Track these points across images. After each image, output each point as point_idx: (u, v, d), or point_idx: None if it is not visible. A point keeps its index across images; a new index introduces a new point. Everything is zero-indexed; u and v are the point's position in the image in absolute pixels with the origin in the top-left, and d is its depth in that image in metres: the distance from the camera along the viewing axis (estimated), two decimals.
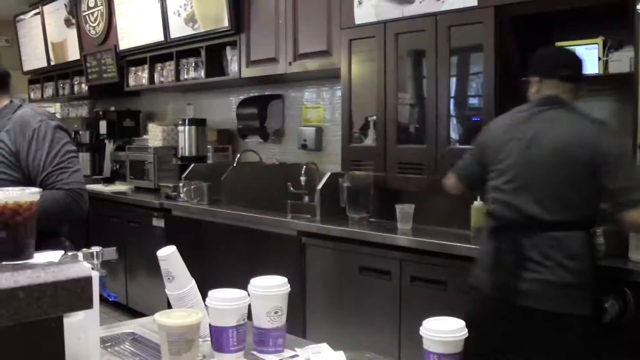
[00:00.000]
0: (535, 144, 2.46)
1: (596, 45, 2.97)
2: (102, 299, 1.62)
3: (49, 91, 7.78)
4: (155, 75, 5.91)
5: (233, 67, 5.00)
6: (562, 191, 2.40)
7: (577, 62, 2.63)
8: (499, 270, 2.48)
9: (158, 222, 5.08)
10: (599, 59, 2.97)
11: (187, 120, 5.51)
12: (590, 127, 2.45)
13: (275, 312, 1.61)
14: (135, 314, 5.14)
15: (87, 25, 6.68)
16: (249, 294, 1.60)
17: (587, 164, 2.37)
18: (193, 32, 5.24)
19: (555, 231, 2.39)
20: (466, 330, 1.38)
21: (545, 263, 2.39)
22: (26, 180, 2.30)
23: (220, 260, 4.45)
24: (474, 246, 2.98)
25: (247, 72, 4.83)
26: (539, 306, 2.39)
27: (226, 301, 1.55)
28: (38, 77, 7.95)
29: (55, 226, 2.37)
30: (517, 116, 2.61)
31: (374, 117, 3.83)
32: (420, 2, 3.52)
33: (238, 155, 5.03)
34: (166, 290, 1.72)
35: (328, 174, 4.00)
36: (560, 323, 2.38)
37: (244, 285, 1.62)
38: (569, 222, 2.41)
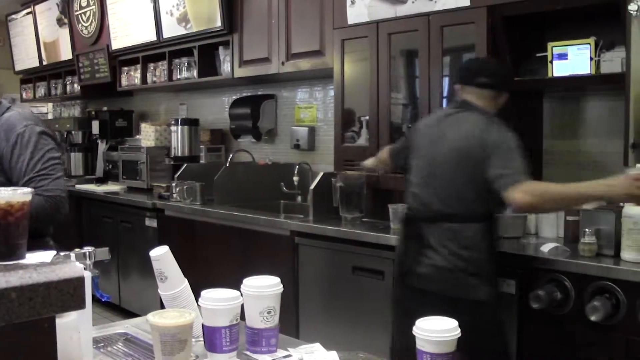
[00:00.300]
0: (439, 143, 2.71)
1: (588, 46, 2.99)
2: (95, 299, 1.62)
3: (41, 91, 7.75)
4: (147, 75, 5.89)
5: (226, 67, 4.99)
6: (459, 186, 2.62)
7: (496, 72, 2.81)
8: (405, 256, 2.76)
9: (151, 222, 5.07)
10: (591, 59, 2.98)
11: (179, 120, 5.49)
12: (482, 125, 2.63)
13: (268, 312, 1.61)
14: (128, 314, 5.13)
15: (80, 24, 6.67)
16: (241, 294, 1.60)
17: (477, 159, 2.57)
18: (186, 32, 5.24)
19: (452, 222, 2.62)
20: (459, 330, 1.39)
21: (439, 250, 2.62)
22: (9, 183, 2.31)
23: (213, 260, 4.44)
24: None
25: (239, 72, 4.83)
26: (433, 288, 2.62)
27: (219, 301, 1.55)
28: (30, 76, 7.92)
29: (41, 227, 2.37)
30: (435, 118, 2.88)
31: (367, 117, 3.83)
32: (413, 2, 3.52)
33: (231, 155, 5.03)
34: (159, 290, 1.72)
35: (321, 174, 4.00)
36: (455, 306, 2.51)
37: (236, 285, 1.62)
38: (464, 215, 2.61)
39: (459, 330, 1.39)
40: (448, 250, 2.61)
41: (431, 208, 2.67)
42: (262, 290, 1.61)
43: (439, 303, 2.50)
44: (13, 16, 7.86)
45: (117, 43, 6.10)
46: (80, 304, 1.05)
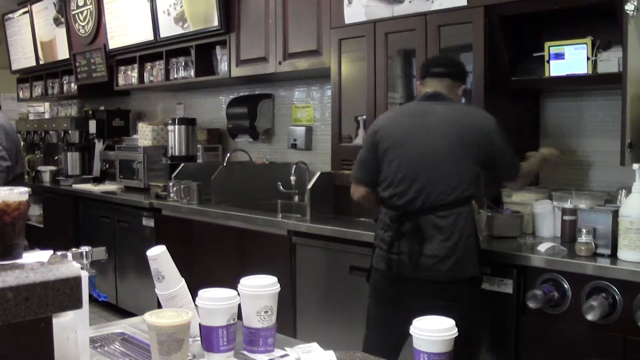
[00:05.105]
0: (434, 135, 2.83)
1: (585, 45, 2.99)
2: (92, 299, 1.62)
3: (38, 90, 7.74)
4: (144, 74, 5.89)
5: (223, 67, 4.99)
6: (458, 174, 2.78)
7: (450, 63, 2.99)
8: (400, 250, 2.85)
9: (148, 222, 5.07)
10: (588, 58, 2.98)
11: (176, 120, 5.49)
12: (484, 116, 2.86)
13: (265, 312, 1.61)
14: (125, 314, 5.13)
15: (77, 24, 6.66)
16: (239, 294, 1.60)
17: (479, 145, 2.81)
18: (183, 31, 5.23)
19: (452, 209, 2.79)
20: (456, 329, 1.39)
21: (440, 238, 2.77)
22: None
23: (210, 259, 4.44)
24: None
25: (236, 72, 4.82)
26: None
27: (216, 301, 1.55)
28: (27, 76, 7.90)
29: None
30: (406, 113, 3.01)
31: (364, 117, 3.83)
32: (410, 1, 3.52)
33: (228, 154, 5.02)
34: (156, 290, 1.72)
35: (318, 174, 4.00)
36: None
37: (234, 285, 1.62)
38: (459, 201, 2.78)
39: (456, 329, 1.39)
40: (454, 236, 2.69)
41: (428, 198, 2.72)
42: (259, 289, 1.61)
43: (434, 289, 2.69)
44: (9, 15, 7.84)
45: (114, 42, 6.09)
46: (77, 304, 1.05)
